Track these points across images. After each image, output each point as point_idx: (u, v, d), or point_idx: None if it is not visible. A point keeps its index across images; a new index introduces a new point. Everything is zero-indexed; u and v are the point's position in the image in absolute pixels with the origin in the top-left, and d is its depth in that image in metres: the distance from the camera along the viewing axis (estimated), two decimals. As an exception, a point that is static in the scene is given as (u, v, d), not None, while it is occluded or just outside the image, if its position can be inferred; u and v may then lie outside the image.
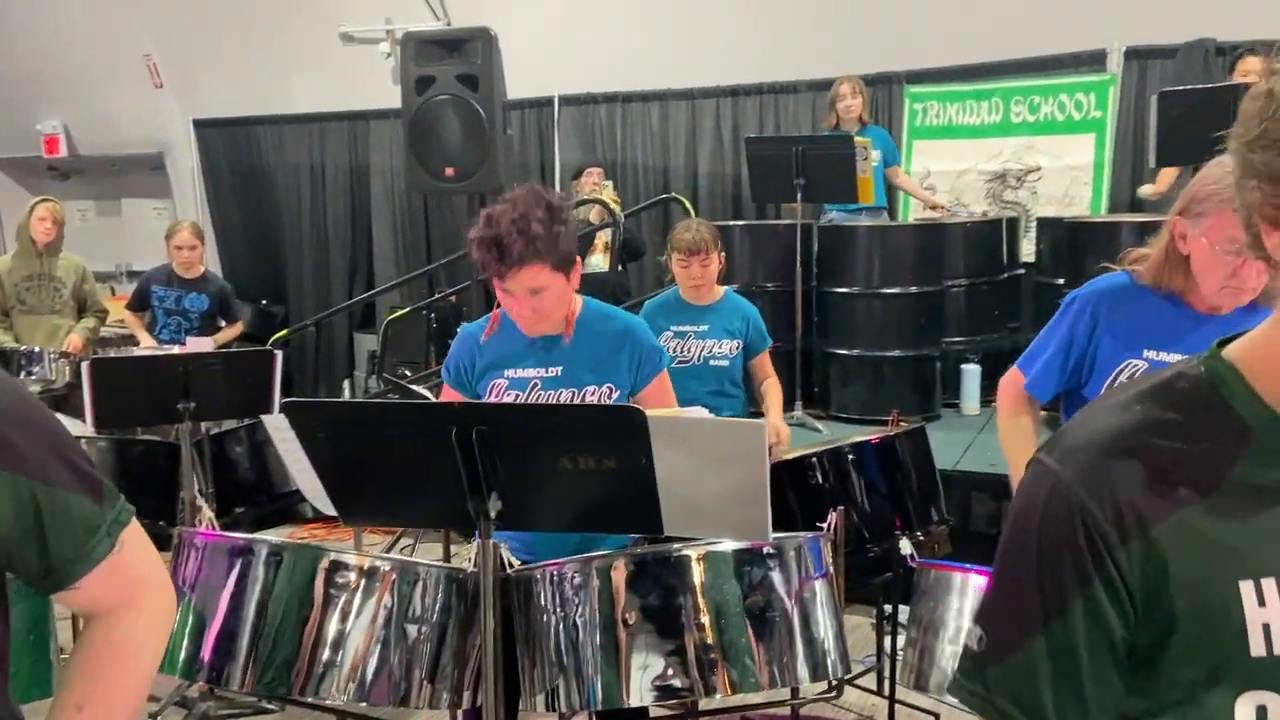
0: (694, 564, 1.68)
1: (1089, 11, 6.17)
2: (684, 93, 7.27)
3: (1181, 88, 4.71)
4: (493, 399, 2.18)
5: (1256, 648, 0.84)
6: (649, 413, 1.46)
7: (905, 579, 2.50)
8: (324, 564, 1.75)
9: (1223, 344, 0.90)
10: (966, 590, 1.86)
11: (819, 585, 1.76)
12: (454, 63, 4.88)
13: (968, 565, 1.95)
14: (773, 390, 3.55)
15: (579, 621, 1.72)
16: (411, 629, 1.77)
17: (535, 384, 2.21)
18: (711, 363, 3.51)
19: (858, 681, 3.14)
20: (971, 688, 0.93)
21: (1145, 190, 5.43)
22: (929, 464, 2.99)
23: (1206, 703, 0.86)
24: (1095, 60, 6.33)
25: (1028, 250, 5.90)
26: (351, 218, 8.50)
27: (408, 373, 6.95)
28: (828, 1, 6.72)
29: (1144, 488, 0.86)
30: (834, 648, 1.77)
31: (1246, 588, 0.84)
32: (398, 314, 7.32)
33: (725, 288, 3.65)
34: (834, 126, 5.78)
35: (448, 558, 3.40)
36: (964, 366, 5.19)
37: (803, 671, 1.70)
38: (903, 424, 3.20)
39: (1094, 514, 0.86)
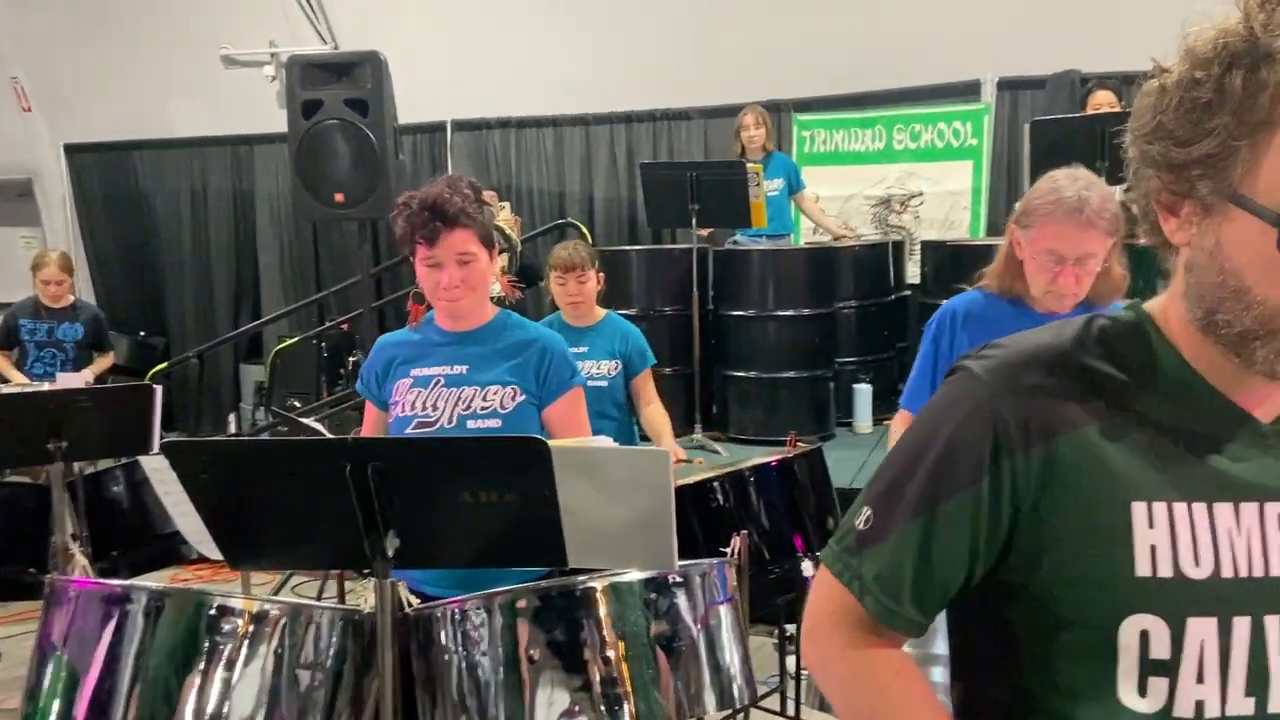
0: (599, 596, 1.66)
1: (963, 44, 6.44)
2: (579, 118, 7.30)
3: (1052, 117, 4.94)
4: (396, 399, 2.14)
5: (1142, 568, 0.88)
6: (552, 443, 1.44)
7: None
8: (209, 610, 1.66)
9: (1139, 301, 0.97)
10: None
11: (724, 611, 1.75)
12: (342, 87, 4.78)
13: None
14: (656, 416, 3.53)
15: (481, 660, 1.67)
16: (304, 675, 1.69)
17: (439, 380, 2.17)
18: (590, 384, 3.48)
19: (761, 704, 3.16)
20: (848, 561, 0.98)
21: None
22: (827, 484, 3.04)
23: (1091, 625, 0.89)
24: (970, 90, 6.61)
25: (913, 272, 6.09)
26: (236, 245, 8.23)
27: (297, 404, 6.75)
28: (719, 31, 6.85)
29: (1055, 401, 0.91)
30: (740, 673, 1.76)
31: (1139, 509, 0.88)
32: (286, 344, 7.11)
33: (607, 310, 3.66)
34: (739, 155, 5.89)
35: (343, 598, 3.29)
36: (856, 386, 5.31)
37: (710, 700, 1.69)
38: (800, 445, 3.25)
39: (1004, 418, 0.91)
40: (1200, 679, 0.87)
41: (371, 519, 1.48)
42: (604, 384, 3.50)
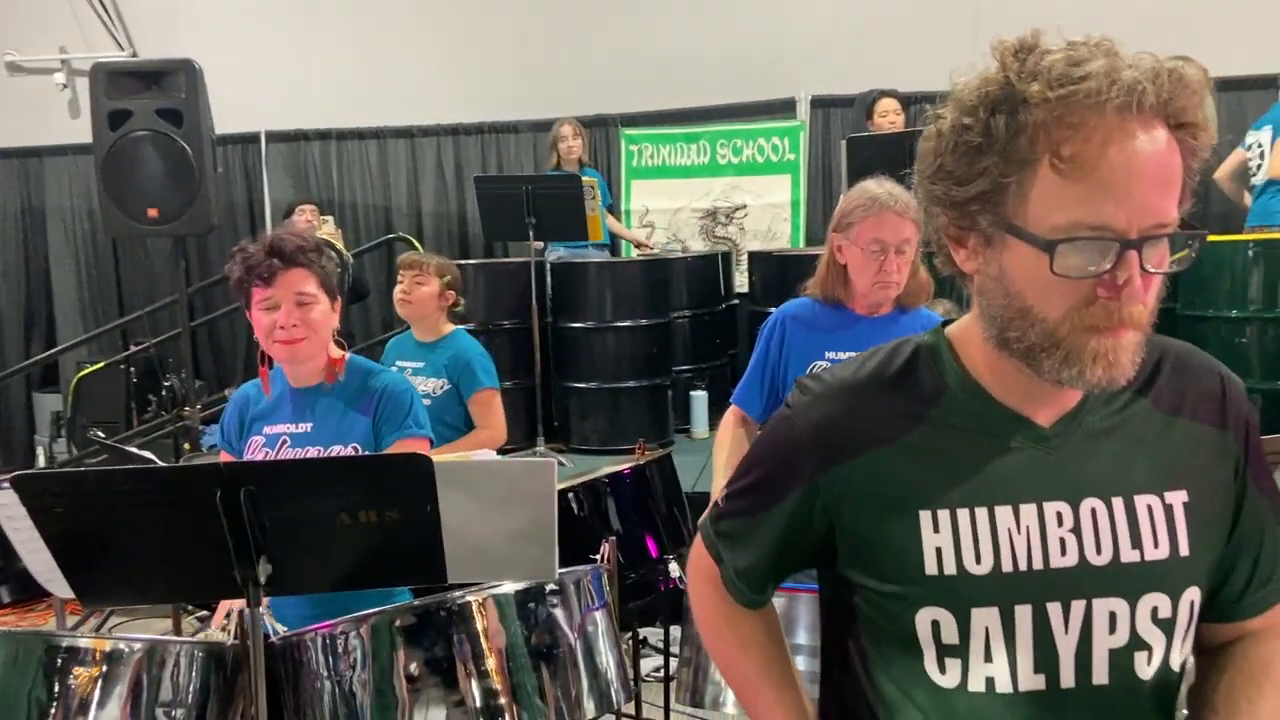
0: (477, 610, 1.65)
1: (779, 63, 6.76)
2: (403, 130, 7.16)
3: (866, 134, 5.25)
4: (248, 456, 2.09)
5: (930, 568, 0.99)
6: (435, 459, 1.43)
7: (674, 600, 2.58)
8: (56, 652, 1.55)
9: (945, 325, 1.09)
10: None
11: (599, 616, 1.79)
12: (153, 96, 4.52)
13: None
14: (471, 438, 3.42)
15: (355, 683, 1.64)
16: (162, 714, 1.60)
17: (284, 440, 2.14)
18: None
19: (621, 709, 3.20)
20: (706, 529, 1.20)
21: None
22: (676, 488, 3.12)
23: (896, 614, 1.02)
24: (787, 108, 6.93)
25: (741, 282, 6.32)
26: (25, 265, 7.60)
27: (101, 434, 6.29)
28: (545, 44, 6.90)
29: (856, 427, 1.04)
30: (616, 676, 1.80)
31: (925, 516, 1.00)
32: (89, 370, 6.61)
33: (457, 327, 3.61)
34: (555, 166, 5.94)
35: (178, 630, 3.12)
36: (693, 393, 5.45)
37: (589, 704, 1.71)
38: (649, 452, 3.32)
39: (811, 445, 1.05)
40: (988, 659, 0.99)
41: (244, 546, 1.43)
42: (428, 402, 3.42)
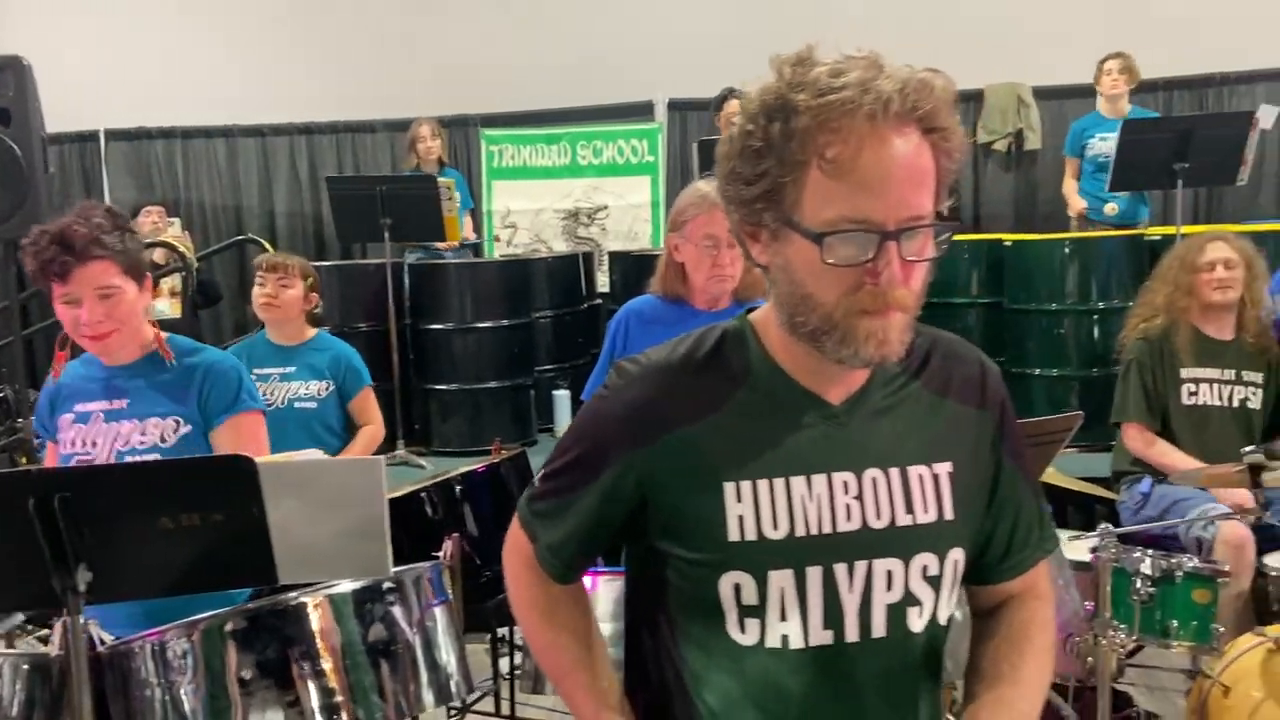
0: (311, 610, 1.66)
1: (636, 68, 6.88)
2: (253, 129, 6.97)
3: (715, 137, 5.40)
4: (61, 435, 2.05)
5: (733, 535, 1.08)
6: (259, 460, 1.44)
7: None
8: None
9: (749, 312, 1.19)
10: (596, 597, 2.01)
11: (439, 612, 1.82)
12: (-24, 92, 4.27)
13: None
14: (361, 437, 3.46)
15: (187, 690, 1.62)
16: (-18, 733, 1.56)
17: (98, 416, 2.08)
18: (298, 405, 3.38)
19: (477, 706, 3.24)
20: (522, 510, 1.25)
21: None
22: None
23: (702, 580, 1.10)
24: (644, 110, 7.06)
25: (603, 281, 6.40)
26: None
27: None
28: (403, 43, 6.83)
29: (665, 406, 1.11)
30: (457, 670, 1.83)
31: (729, 487, 1.09)
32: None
33: (319, 329, 3.57)
34: (415, 167, 5.89)
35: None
36: (555, 393, 5.50)
37: (428, 697, 1.74)
38: (504, 451, 3.35)
39: (625, 423, 1.12)
40: (783, 618, 1.09)
41: (60, 553, 1.40)
42: (313, 405, 3.38)
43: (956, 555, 1.13)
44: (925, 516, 1.11)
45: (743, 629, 1.09)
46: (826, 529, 1.08)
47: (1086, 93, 5.93)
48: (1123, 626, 2.77)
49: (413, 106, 6.37)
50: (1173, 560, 2.80)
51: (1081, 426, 4.37)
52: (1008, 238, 5.23)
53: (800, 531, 1.08)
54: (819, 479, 1.09)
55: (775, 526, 1.08)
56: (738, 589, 1.09)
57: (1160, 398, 3.26)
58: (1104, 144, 5.27)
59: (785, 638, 1.09)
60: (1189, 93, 6.81)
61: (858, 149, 0.98)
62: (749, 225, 1.07)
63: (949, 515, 1.12)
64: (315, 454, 1.91)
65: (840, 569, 1.09)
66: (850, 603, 1.09)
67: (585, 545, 1.21)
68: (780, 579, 1.08)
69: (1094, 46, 5.76)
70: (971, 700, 1.18)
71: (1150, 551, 2.84)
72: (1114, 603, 2.75)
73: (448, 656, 1.81)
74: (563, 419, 5.47)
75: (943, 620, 1.14)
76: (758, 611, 1.09)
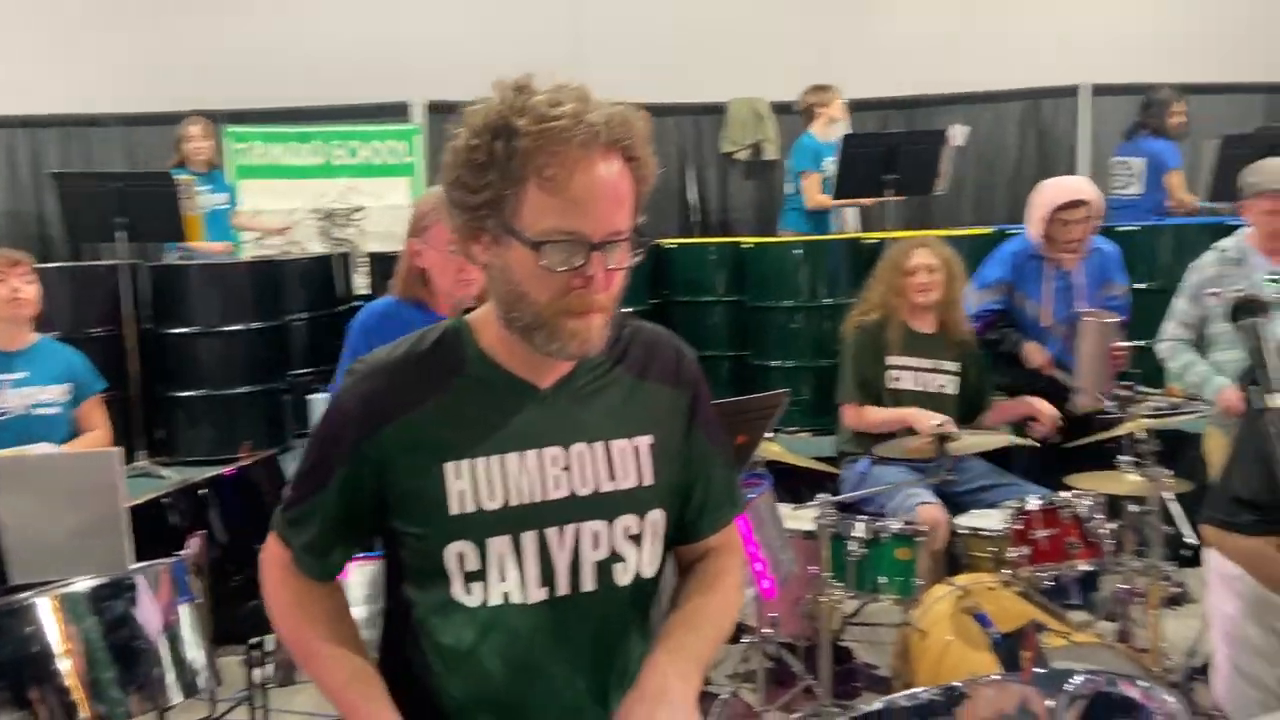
0: (47, 610, 1.63)
1: (393, 67, 6.84)
2: (-36, 121, 6.37)
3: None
4: None
5: (454, 509, 1.21)
6: (-16, 455, 1.41)
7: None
8: None
9: (467, 313, 1.32)
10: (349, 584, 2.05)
11: (185, 609, 1.82)
12: None
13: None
14: (83, 441, 3.28)
15: (-96, 705, 1.56)
16: None
17: None
18: (37, 411, 3.19)
19: (230, 716, 3.18)
20: (277, 521, 1.32)
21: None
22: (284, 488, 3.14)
23: (430, 552, 1.22)
24: (401, 111, 7.03)
25: (361, 283, 6.30)
26: None
27: None
28: (139, 33, 6.45)
29: (391, 398, 1.22)
30: (204, 666, 1.84)
31: (450, 467, 1.22)
32: None
33: (41, 335, 3.37)
34: (178, 165, 5.58)
35: None
36: (311, 397, 5.38)
37: (174, 693, 1.75)
38: (254, 455, 3.29)
39: (356, 417, 1.22)
40: (503, 579, 1.23)
41: None
42: (56, 411, 3.19)
43: (655, 516, 1.30)
44: (627, 483, 1.27)
45: (468, 592, 1.22)
46: (538, 498, 1.23)
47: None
48: (840, 584, 3.14)
49: (149, 100, 6.04)
50: (879, 524, 3.19)
51: (812, 412, 4.88)
52: (748, 241, 5.65)
53: (515, 501, 1.22)
54: (530, 454, 1.24)
55: (492, 498, 1.21)
56: (461, 557, 1.21)
57: (872, 382, 3.68)
58: (832, 165, 5.79)
59: (506, 595, 1.23)
60: (900, 112, 7.59)
61: (571, 171, 1.13)
62: (471, 228, 1.20)
63: (648, 481, 1.29)
64: (47, 448, 1.85)
65: (551, 532, 1.23)
66: (562, 561, 1.24)
67: (340, 540, 1.28)
68: (499, 545, 1.22)
69: (820, 70, 6.30)
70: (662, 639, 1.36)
71: (862, 517, 3.21)
72: (833, 564, 3.10)
73: (195, 653, 1.82)
74: (320, 423, 5.37)
75: (646, 574, 1.31)
76: (480, 575, 1.22)
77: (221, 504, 2.89)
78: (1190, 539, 3.20)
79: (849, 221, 6.12)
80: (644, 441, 1.29)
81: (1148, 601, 3.12)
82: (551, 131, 1.12)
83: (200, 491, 2.84)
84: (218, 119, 6.58)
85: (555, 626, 1.24)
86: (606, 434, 1.27)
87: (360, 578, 1.97)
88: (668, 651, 1.27)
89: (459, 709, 1.25)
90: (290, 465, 3.43)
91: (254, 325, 5.06)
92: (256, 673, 3.32)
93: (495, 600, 1.22)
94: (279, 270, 5.45)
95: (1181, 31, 7.43)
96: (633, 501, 1.27)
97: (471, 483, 1.21)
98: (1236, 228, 3.71)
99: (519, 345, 1.22)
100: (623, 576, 1.28)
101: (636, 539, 1.28)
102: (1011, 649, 2.70)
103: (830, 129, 5.84)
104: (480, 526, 1.21)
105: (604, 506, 1.26)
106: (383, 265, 5.80)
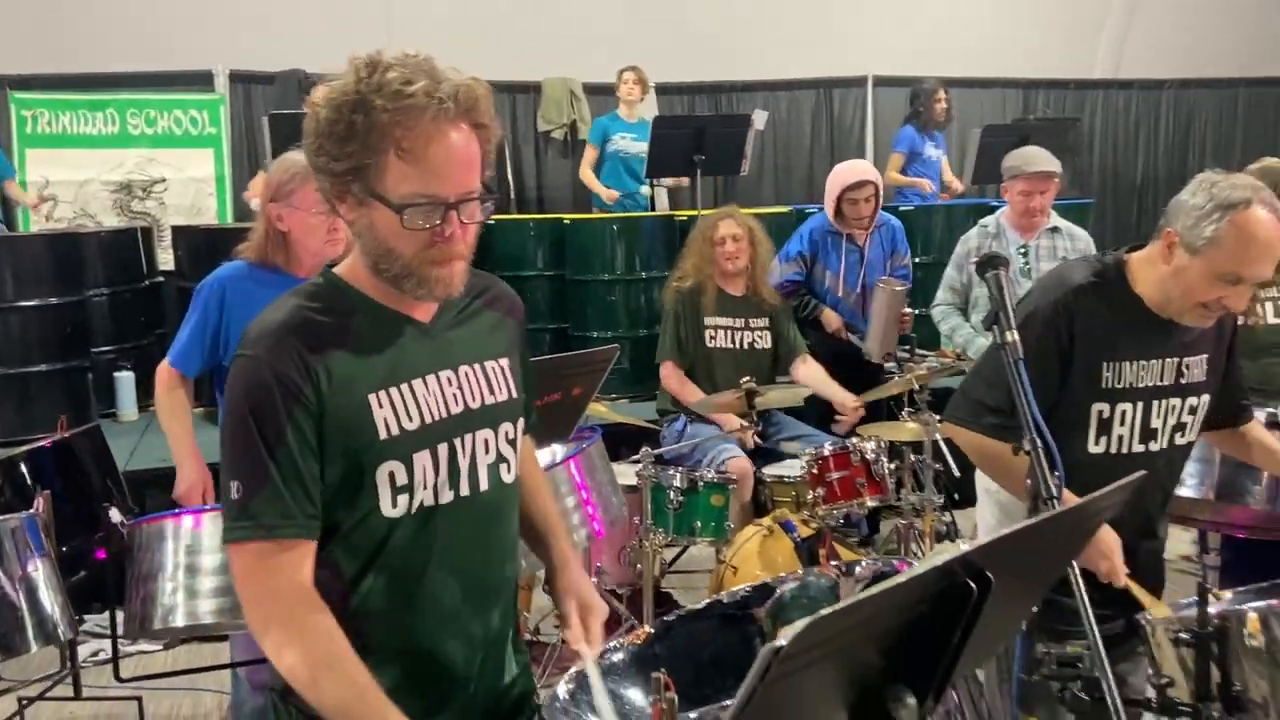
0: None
1: (194, 35, 6.59)
2: None
3: (290, 112, 5.40)
4: None
5: (382, 434, 1.36)
6: None
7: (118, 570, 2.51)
8: None
9: (332, 265, 1.44)
10: (180, 532, 2.10)
11: (40, 562, 1.86)
12: None
13: (175, 511, 2.18)
14: None
15: None
16: None
17: None
18: None
19: (51, 694, 3.14)
20: (243, 525, 1.30)
21: (247, 196, 5.98)
22: (108, 454, 3.11)
23: (364, 473, 1.35)
24: (204, 80, 6.78)
25: (165, 258, 6.08)
26: None
27: None
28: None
29: (303, 354, 1.32)
30: (62, 617, 1.89)
31: (373, 398, 1.36)
32: None
33: None
34: None
35: None
36: (117, 375, 5.19)
37: (33, 639, 1.79)
38: (72, 428, 3.22)
39: (284, 371, 1.31)
40: (425, 487, 1.40)
41: None
42: None
43: (520, 423, 1.52)
44: (502, 396, 1.48)
45: (394, 505, 1.37)
46: (443, 414, 1.40)
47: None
48: (660, 530, 3.41)
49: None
50: (696, 474, 3.48)
51: (630, 380, 5.14)
52: (567, 217, 5.85)
53: (428, 420, 1.39)
54: (431, 378, 1.41)
55: (410, 420, 1.37)
56: (392, 475, 1.35)
57: (689, 341, 3.99)
58: (623, 141, 6.06)
59: (423, 501, 1.39)
60: (705, 96, 7.99)
61: (426, 142, 1.27)
62: (337, 190, 1.34)
63: (515, 394, 1.51)
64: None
65: (457, 442, 1.41)
66: (465, 466, 1.42)
67: (309, 493, 1.33)
68: (421, 459, 1.37)
69: (627, 52, 6.56)
70: (544, 546, 1.61)
71: (680, 469, 3.50)
72: (655, 512, 3.37)
73: (51, 604, 1.86)
74: (126, 402, 5.18)
75: (516, 473, 1.52)
76: (407, 489, 1.37)
77: (43, 474, 2.85)
78: (958, 473, 3.69)
79: (660, 200, 6.43)
80: (504, 362, 1.49)
81: (924, 532, 3.57)
82: (406, 108, 1.25)
83: (21, 464, 2.79)
84: (1, 84, 6.17)
85: (465, 521, 1.42)
86: (480, 356, 1.46)
87: (213, 527, 2.05)
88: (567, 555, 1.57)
89: (383, 610, 1.38)
90: (114, 438, 3.37)
91: (51, 300, 4.83)
92: (83, 650, 3.29)
93: (415, 508, 1.37)
94: (77, 244, 5.21)
95: (948, 31, 8.20)
96: (508, 411, 1.47)
97: (392, 409, 1.35)
98: (998, 207, 4.24)
99: (392, 289, 1.38)
100: (507, 476, 1.47)
101: (513, 443, 1.49)
102: (811, 549, 3.28)
103: (635, 110, 6.13)
104: (405, 445, 1.36)
105: (489, 416, 1.44)
106: (189, 239, 5.62)
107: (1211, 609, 1.51)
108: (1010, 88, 8.67)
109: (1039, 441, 1.57)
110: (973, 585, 0.95)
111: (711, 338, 4.01)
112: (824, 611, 0.80)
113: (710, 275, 4.00)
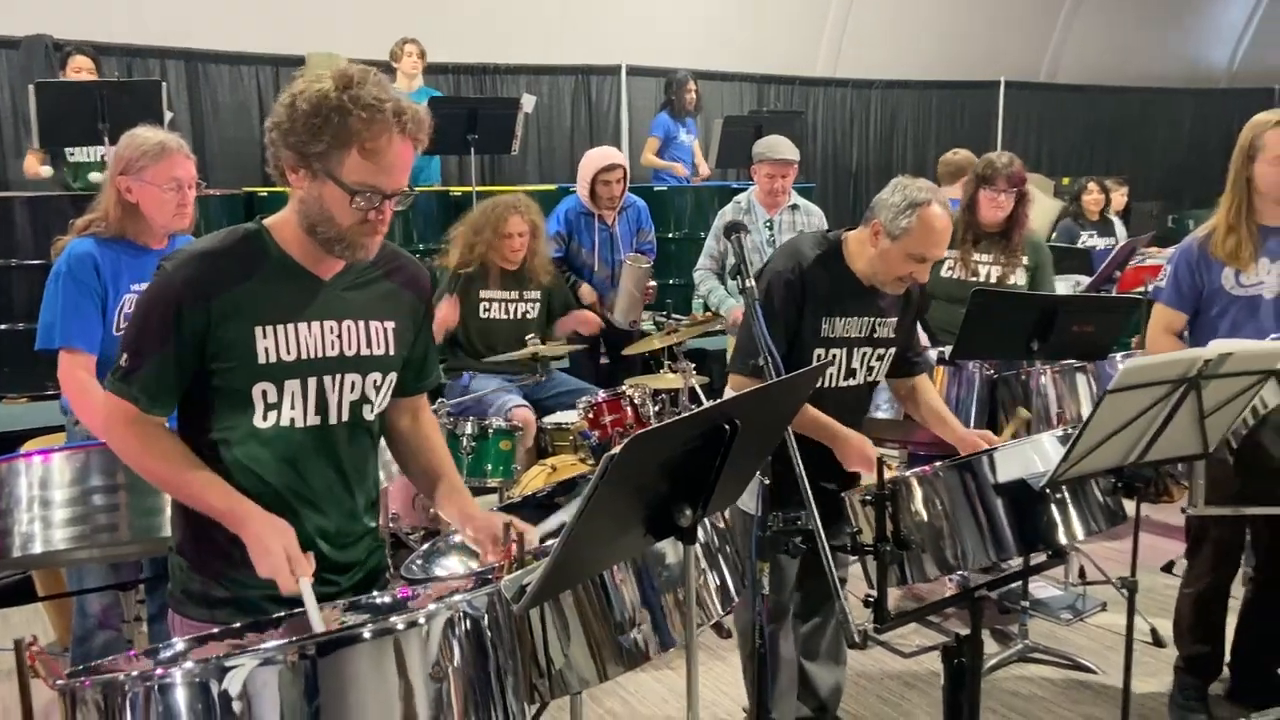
0: None
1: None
2: None
3: (54, 80, 5.25)
4: None
5: (260, 359, 1.71)
6: None
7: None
8: None
9: (264, 219, 1.77)
10: (32, 469, 2.24)
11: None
12: None
13: (26, 453, 2.33)
14: None
15: None
16: None
17: None
18: None
19: None
20: (122, 387, 1.69)
21: (28, 168, 5.73)
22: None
23: (240, 388, 1.71)
24: (12, 46, 6.36)
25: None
26: None
27: None
28: None
29: (212, 279, 1.67)
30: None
31: (259, 330, 1.71)
32: None
33: None
34: None
35: None
36: None
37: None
38: None
39: (185, 291, 1.66)
40: (291, 408, 1.75)
41: None
42: None
43: (392, 376, 1.88)
44: (378, 351, 1.83)
45: (265, 419, 1.73)
46: (319, 354, 1.75)
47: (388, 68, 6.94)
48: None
49: None
50: (485, 422, 3.89)
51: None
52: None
53: (304, 356, 1.74)
54: (315, 324, 1.75)
55: (288, 353, 1.72)
56: (264, 393, 1.71)
57: (470, 314, 4.35)
58: None
59: (291, 419, 1.75)
60: (472, 77, 8.30)
61: (385, 147, 1.62)
62: (296, 165, 1.64)
63: (391, 352, 1.86)
64: None
65: (327, 379, 1.77)
66: (331, 399, 1.78)
67: (175, 385, 1.69)
68: (291, 385, 1.73)
69: (395, 28, 6.76)
70: (433, 487, 1.94)
71: (471, 417, 3.89)
72: (449, 458, 3.75)
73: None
74: None
75: (371, 416, 1.86)
76: (276, 406, 1.72)
77: None
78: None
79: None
80: (390, 325, 1.83)
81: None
82: (377, 120, 1.61)
83: None
84: None
85: (323, 443, 1.79)
86: (366, 316, 1.79)
87: (64, 464, 2.24)
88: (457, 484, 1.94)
89: (246, 487, 1.72)
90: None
91: None
92: None
93: (283, 423, 1.74)
94: None
95: (692, 30, 8.95)
96: (380, 364, 1.82)
97: (274, 342, 1.70)
98: (741, 190, 4.89)
99: (311, 247, 1.72)
100: (369, 414, 1.84)
101: (378, 389, 1.85)
102: (603, 450, 3.79)
103: (413, 83, 6.39)
104: (279, 372, 1.70)
105: (361, 365, 1.79)
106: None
107: (886, 476, 2.11)
108: (746, 82, 9.59)
109: (771, 358, 2.12)
110: (727, 427, 1.46)
111: (486, 310, 4.35)
112: (639, 432, 1.28)
113: (494, 261, 4.34)
